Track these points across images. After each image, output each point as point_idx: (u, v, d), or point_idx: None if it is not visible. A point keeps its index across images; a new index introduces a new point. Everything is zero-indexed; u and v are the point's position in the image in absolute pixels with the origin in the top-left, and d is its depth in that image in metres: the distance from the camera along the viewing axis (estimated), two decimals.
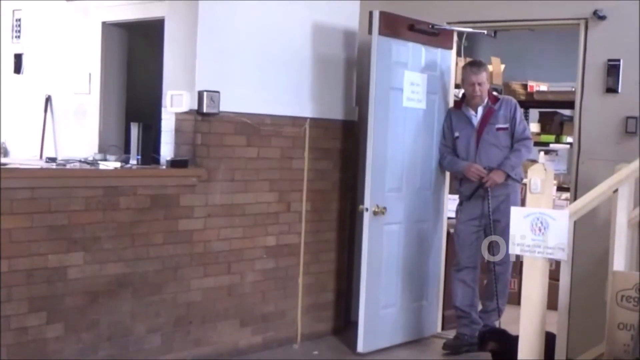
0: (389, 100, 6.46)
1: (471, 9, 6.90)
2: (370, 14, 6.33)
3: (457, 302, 6.70)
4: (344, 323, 7.14)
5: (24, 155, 7.56)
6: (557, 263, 4.90)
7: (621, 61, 6.26)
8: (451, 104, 6.98)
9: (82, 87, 7.36)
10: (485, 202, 6.52)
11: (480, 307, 6.81)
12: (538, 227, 4.62)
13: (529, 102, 9.35)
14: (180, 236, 5.80)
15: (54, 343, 5.12)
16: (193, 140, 5.87)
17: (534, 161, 7.49)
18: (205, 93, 5.82)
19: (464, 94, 6.77)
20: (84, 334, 5.28)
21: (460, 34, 7.03)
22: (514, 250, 4.73)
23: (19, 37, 7.93)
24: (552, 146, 9.61)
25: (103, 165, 5.78)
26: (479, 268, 6.76)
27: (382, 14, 6.30)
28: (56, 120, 7.65)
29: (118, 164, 5.84)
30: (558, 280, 4.83)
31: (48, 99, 7.67)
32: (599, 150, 6.34)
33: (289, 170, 6.52)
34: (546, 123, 9.64)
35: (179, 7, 5.95)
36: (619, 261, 4.99)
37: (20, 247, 4.93)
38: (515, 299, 6.49)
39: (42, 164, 6.20)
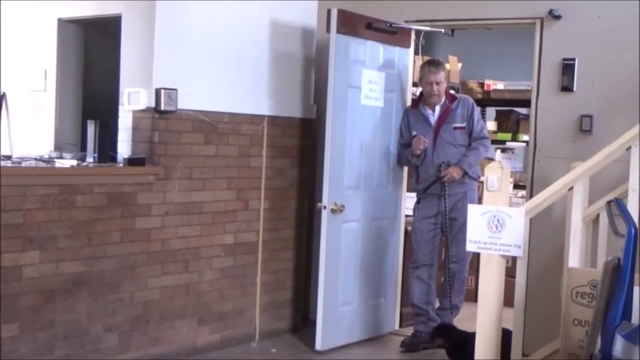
0: (347, 98, 6.46)
1: (429, 8, 6.93)
2: (328, 12, 6.33)
3: (415, 300, 6.73)
4: (303, 321, 7.15)
5: None
6: (514, 260, 4.94)
7: (576, 60, 6.33)
8: (409, 103, 7.01)
9: (37, 84, 7.28)
10: (442, 201, 6.55)
11: (437, 304, 6.84)
12: (495, 225, 4.66)
13: (485, 100, 9.42)
14: (137, 234, 5.76)
15: (9, 343, 5.06)
16: (150, 138, 5.84)
17: (491, 159, 7.56)
18: (162, 91, 5.79)
19: (421, 93, 6.79)
20: (40, 333, 5.22)
21: (418, 32, 7.05)
22: (471, 247, 4.76)
23: None
24: (509, 144, 9.70)
25: (59, 163, 5.72)
26: (436, 266, 6.80)
27: (340, 12, 6.30)
28: (11, 117, 7.56)
29: (74, 162, 5.79)
30: (514, 277, 4.88)
31: (3, 96, 7.57)
32: (555, 149, 6.40)
33: (247, 168, 6.51)
34: (503, 121, 9.73)
35: (136, 4, 5.91)
36: (574, 258, 5.05)
37: None
38: (472, 296, 6.55)
39: None
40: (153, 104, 5.79)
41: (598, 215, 5.44)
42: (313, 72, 7.04)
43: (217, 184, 6.29)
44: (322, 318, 6.40)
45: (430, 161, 6.59)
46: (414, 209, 6.81)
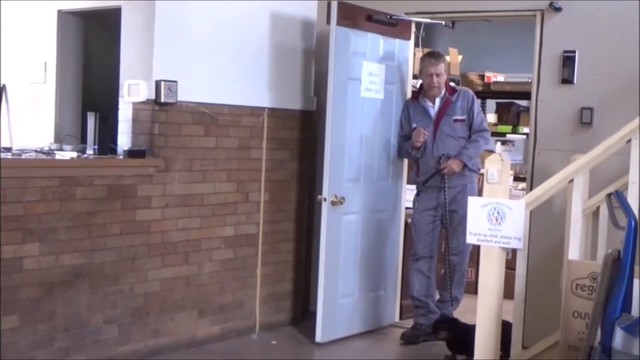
0: (347, 90, 6.46)
1: (429, 0, 6.92)
2: (329, 4, 6.32)
3: (414, 292, 6.73)
4: (302, 313, 7.16)
5: None
6: (514, 252, 4.95)
7: (576, 52, 6.32)
8: (409, 95, 7.00)
9: (37, 77, 7.26)
10: (442, 193, 6.55)
11: (437, 296, 6.85)
12: (495, 217, 4.66)
13: (486, 92, 9.40)
14: (137, 226, 5.76)
15: (10, 335, 5.07)
16: (150, 130, 5.84)
17: (491, 152, 7.56)
18: (162, 83, 5.78)
19: (421, 85, 6.79)
20: (40, 325, 5.23)
21: (418, 24, 7.05)
22: (471, 240, 4.76)
23: None
24: (509, 136, 9.69)
25: (59, 155, 5.72)
26: (435, 258, 6.80)
27: (340, 4, 6.30)
28: (11, 109, 7.55)
29: (74, 154, 5.79)
30: (514, 269, 4.88)
31: (2, 88, 7.56)
32: (555, 141, 6.40)
33: (247, 160, 6.51)
34: (503, 114, 9.71)
35: None
36: (574, 250, 5.05)
37: None
38: (473, 288, 6.55)
39: None
40: (153, 96, 5.79)
41: (598, 208, 5.43)
42: (313, 64, 7.04)
43: (217, 176, 6.28)
44: (322, 310, 6.41)
45: (430, 153, 6.59)
46: (414, 202, 6.81)
